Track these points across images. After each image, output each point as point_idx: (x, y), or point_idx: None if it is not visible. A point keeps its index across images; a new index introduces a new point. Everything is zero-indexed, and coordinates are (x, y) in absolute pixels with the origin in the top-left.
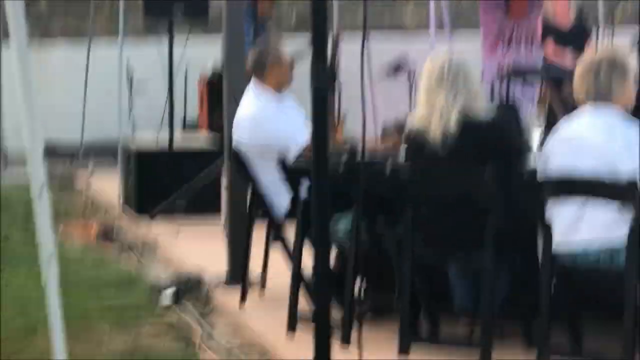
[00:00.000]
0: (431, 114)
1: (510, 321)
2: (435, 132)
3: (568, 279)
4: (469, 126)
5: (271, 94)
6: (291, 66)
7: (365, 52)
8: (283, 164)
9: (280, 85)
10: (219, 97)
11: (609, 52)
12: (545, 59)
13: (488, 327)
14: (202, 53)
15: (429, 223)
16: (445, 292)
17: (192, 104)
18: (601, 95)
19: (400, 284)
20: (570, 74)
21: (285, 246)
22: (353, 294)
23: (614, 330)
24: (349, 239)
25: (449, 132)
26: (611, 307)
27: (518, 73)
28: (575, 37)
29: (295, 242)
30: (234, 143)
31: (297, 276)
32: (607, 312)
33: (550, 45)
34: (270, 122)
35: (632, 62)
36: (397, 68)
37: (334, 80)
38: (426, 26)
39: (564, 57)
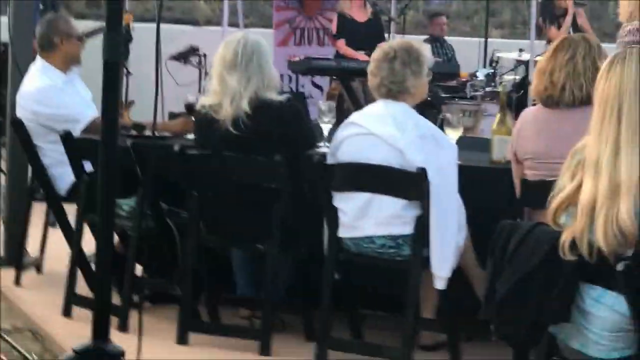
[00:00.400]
0: (224, 95)
1: (292, 312)
2: (226, 114)
3: (352, 269)
4: (261, 108)
5: (58, 70)
6: (81, 43)
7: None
8: (68, 140)
9: (68, 62)
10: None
11: (405, 43)
12: (337, 54)
13: (268, 317)
14: None
15: (214, 208)
16: (227, 279)
17: None
18: (395, 85)
19: (183, 270)
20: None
21: (65, 227)
22: (133, 279)
23: (395, 325)
24: (133, 221)
25: (240, 114)
26: (393, 299)
27: (309, 69)
28: (370, 34)
29: (76, 222)
30: (16, 118)
31: (76, 258)
32: (389, 305)
33: (342, 43)
34: (56, 97)
35: (427, 54)
36: (186, 54)
37: (126, 58)
38: (217, 23)
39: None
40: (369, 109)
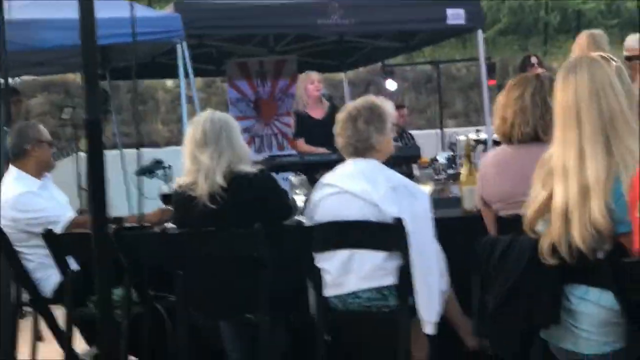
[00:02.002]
0: (197, 173)
1: None
2: (202, 191)
3: (342, 327)
4: (235, 181)
5: (32, 176)
6: (51, 147)
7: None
8: (50, 238)
9: (41, 167)
10: None
11: (367, 102)
12: (299, 153)
13: None
14: None
15: (200, 285)
16: (221, 356)
17: None
18: (360, 143)
19: (176, 353)
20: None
21: (54, 329)
22: None
23: None
24: (122, 309)
25: (215, 189)
26: (384, 352)
27: (272, 166)
28: (329, 130)
29: (66, 321)
30: None
31: (69, 358)
32: (382, 358)
33: (302, 142)
34: (33, 202)
35: (389, 111)
36: (151, 168)
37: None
38: (176, 143)
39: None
40: (339, 169)
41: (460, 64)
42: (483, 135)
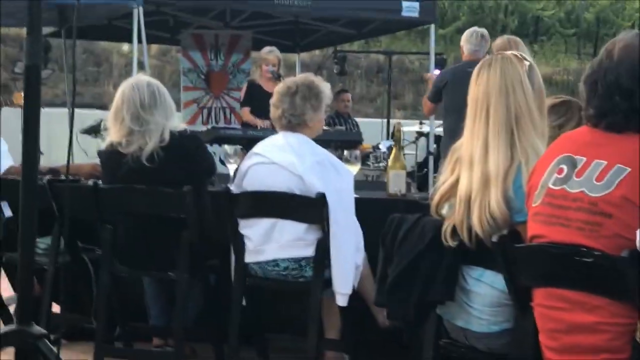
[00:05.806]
0: (127, 132)
1: (201, 341)
2: (145, 148)
3: (259, 294)
4: (172, 139)
5: None
6: None
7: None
8: None
9: None
10: None
11: (307, 79)
12: (243, 124)
13: (180, 346)
14: None
15: (126, 239)
16: (141, 310)
17: None
18: (295, 118)
19: (98, 304)
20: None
21: None
22: (49, 315)
23: (300, 346)
24: (49, 257)
25: (145, 148)
26: (297, 322)
27: (215, 137)
28: None
29: None
30: None
31: None
32: (294, 329)
33: (247, 110)
34: None
35: (326, 91)
36: (97, 128)
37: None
38: None
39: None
40: (269, 140)
41: (414, 57)
42: (426, 128)
